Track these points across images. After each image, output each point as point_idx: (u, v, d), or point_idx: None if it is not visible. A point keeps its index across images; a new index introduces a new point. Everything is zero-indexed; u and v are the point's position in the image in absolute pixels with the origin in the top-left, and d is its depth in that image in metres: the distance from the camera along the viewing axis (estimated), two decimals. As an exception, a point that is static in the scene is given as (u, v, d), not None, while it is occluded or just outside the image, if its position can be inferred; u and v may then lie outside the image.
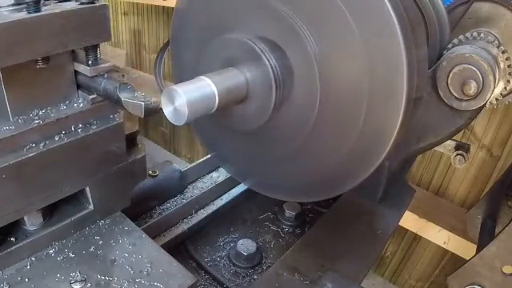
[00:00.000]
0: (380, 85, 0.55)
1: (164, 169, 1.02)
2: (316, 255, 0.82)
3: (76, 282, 0.64)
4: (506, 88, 0.75)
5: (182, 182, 1.05)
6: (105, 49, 3.06)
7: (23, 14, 0.56)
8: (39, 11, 0.57)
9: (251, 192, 1.06)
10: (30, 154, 0.62)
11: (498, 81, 0.69)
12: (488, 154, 1.78)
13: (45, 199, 0.67)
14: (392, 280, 2.34)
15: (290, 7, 0.60)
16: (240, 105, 0.65)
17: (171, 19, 0.80)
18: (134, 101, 0.61)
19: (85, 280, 0.64)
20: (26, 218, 0.69)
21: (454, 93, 0.66)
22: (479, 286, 0.80)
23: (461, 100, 0.66)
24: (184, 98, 0.53)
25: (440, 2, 0.75)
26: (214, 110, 0.58)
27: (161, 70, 0.96)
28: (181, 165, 1.13)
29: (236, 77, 0.62)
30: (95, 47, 0.66)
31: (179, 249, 0.95)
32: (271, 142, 0.70)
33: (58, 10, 0.58)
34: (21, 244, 0.67)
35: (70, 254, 0.69)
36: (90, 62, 0.66)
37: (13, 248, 0.66)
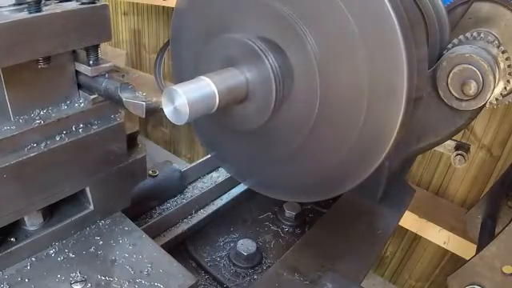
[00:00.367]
0: (380, 85, 0.55)
1: (164, 169, 1.02)
2: (316, 255, 0.82)
3: (76, 282, 0.64)
4: (505, 88, 0.75)
5: (182, 182, 1.05)
6: (105, 49, 3.06)
7: (24, 14, 0.56)
8: (40, 11, 0.57)
9: (251, 192, 1.06)
10: (31, 154, 0.62)
11: (498, 81, 0.69)
12: (488, 154, 1.78)
13: (45, 199, 0.67)
14: (392, 280, 2.34)
15: (289, 7, 0.60)
16: (240, 105, 0.65)
17: (171, 19, 0.80)
18: (135, 101, 0.61)
19: (85, 280, 0.64)
20: (26, 218, 0.68)
21: (454, 93, 0.66)
22: (479, 285, 0.80)
23: (461, 100, 0.66)
24: (184, 98, 0.53)
25: (440, 2, 0.75)
26: (214, 109, 0.58)
27: (161, 70, 0.96)
28: (181, 165, 1.13)
29: (236, 77, 0.62)
30: (96, 47, 0.66)
31: (179, 249, 0.95)
32: (271, 142, 0.70)
33: (58, 10, 0.58)
34: (21, 244, 0.67)
35: (71, 255, 0.69)
36: (91, 62, 0.66)
37: (13, 248, 0.66)
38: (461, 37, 0.71)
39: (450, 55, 0.65)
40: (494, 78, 0.63)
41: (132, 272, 0.66)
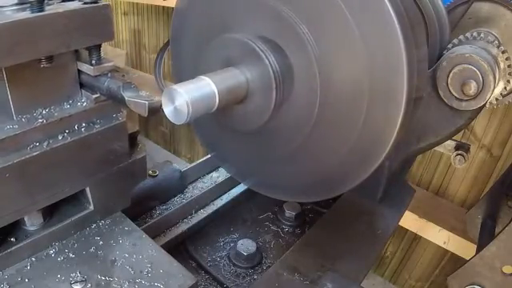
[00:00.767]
0: (380, 85, 0.55)
1: (164, 169, 1.02)
2: (316, 255, 0.82)
3: (76, 282, 0.63)
4: (506, 88, 0.75)
5: (182, 182, 1.05)
6: (105, 49, 3.06)
7: (27, 14, 0.56)
8: (43, 11, 0.57)
9: (251, 192, 1.06)
10: (34, 153, 0.62)
11: (498, 81, 0.69)
12: (488, 154, 1.78)
13: (46, 199, 0.67)
14: (392, 280, 2.34)
15: (289, 7, 0.60)
16: (240, 105, 0.65)
17: (171, 19, 0.80)
18: (137, 100, 0.61)
19: (85, 280, 0.64)
20: (26, 218, 0.68)
21: (454, 93, 0.66)
22: (479, 285, 0.80)
23: (461, 100, 0.66)
24: (184, 98, 0.53)
25: (440, 2, 0.75)
26: (214, 109, 0.58)
27: (161, 70, 0.96)
28: (181, 165, 1.13)
29: (236, 76, 0.62)
30: (98, 47, 0.66)
31: (179, 249, 0.95)
32: (271, 142, 0.70)
33: (61, 10, 0.58)
34: (21, 244, 0.67)
35: (71, 255, 0.69)
36: (93, 62, 0.66)
37: (13, 248, 0.66)
38: (461, 37, 0.71)
39: (450, 55, 0.65)
40: (494, 78, 0.63)
41: (132, 272, 0.66)
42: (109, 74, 0.67)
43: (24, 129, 0.62)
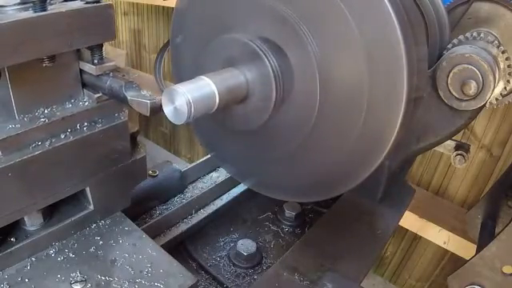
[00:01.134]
0: (380, 85, 0.55)
1: (164, 169, 1.02)
2: (316, 255, 0.82)
3: (76, 282, 0.64)
4: (505, 88, 0.75)
5: (182, 182, 1.05)
6: (105, 49, 3.06)
7: (29, 13, 0.57)
8: (45, 10, 0.57)
9: (251, 192, 1.06)
10: (36, 153, 0.62)
11: (498, 81, 0.69)
12: (488, 154, 1.78)
13: (47, 198, 0.67)
14: (392, 280, 2.34)
15: (289, 7, 0.60)
16: (240, 104, 0.65)
17: (171, 19, 0.80)
18: (139, 99, 0.62)
19: (85, 280, 0.64)
20: (26, 218, 0.68)
21: (453, 93, 0.66)
22: (479, 285, 0.80)
23: (461, 100, 0.66)
24: (184, 98, 0.53)
25: (440, 2, 0.75)
26: (214, 109, 0.58)
27: (161, 70, 0.96)
28: (181, 165, 1.13)
29: (236, 77, 0.62)
30: (100, 46, 0.66)
31: (179, 249, 0.95)
32: (271, 142, 0.70)
33: (63, 10, 0.59)
34: (21, 244, 0.67)
35: (71, 255, 0.69)
36: (95, 61, 0.66)
37: (13, 248, 0.66)
38: (461, 37, 0.71)
39: (450, 55, 0.65)
40: (494, 78, 0.63)
41: (132, 272, 0.66)
42: (111, 74, 0.68)
43: (26, 128, 0.62)
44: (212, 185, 1.07)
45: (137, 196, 0.90)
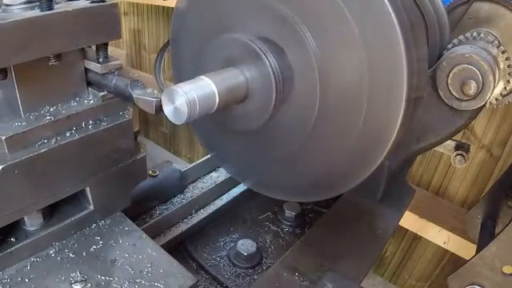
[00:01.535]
0: (380, 85, 0.55)
1: (164, 169, 1.02)
2: (316, 255, 0.82)
3: (76, 282, 0.63)
4: (505, 88, 0.75)
5: (182, 182, 1.05)
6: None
7: (36, 12, 0.57)
8: (51, 9, 0.58)
9: (251, 192, 1.06)
10: (42, 150, 0.62)
11: (498, 81, 0.69)
12: (488, 154, 1.78)
13: (48, 198, 0.67)
14: (392, 280, 2.34)
15: (289, 7, 0.60)
16: (240, 104, 0.65)
17: (171, 19, 0.80)
18: (145, 97, 0.62)
19: (85, 280, 0.64)
20: (26, 218, 0.68)
21: (453, 93, 0.66)
22: (479, 285, 0.80)
23: (461, 100, 0.66)
24: (184, 98, 0.53)
25: (440, 3, 0.75)
26: (214, 109, 0.58)
27: (161, 70, 0.96)
28: (181, 165, 1.13)
29: (236, 76, 0.62)
30: (105, 45, 0.67)
31: (179, 249, 0.95)
32: (271, 142, 0.70)
33: (69, 9, 0.59)
34: (21, 244, 0.67)
35: (71, 255, 0.69)
36: (100, 60, 0.67)
37: (13, 248, 0.66)
38: (461, 37, 0.71)
39: (450, 55, 0.65)
40: (494, 78, 0.63)
41: (132, 272, 0.66)
42: (116, 72, 0.68)
43: (32, 126, 0.62)
44: (212, 185, 1.07)
45: (137, 196, 0.90)
